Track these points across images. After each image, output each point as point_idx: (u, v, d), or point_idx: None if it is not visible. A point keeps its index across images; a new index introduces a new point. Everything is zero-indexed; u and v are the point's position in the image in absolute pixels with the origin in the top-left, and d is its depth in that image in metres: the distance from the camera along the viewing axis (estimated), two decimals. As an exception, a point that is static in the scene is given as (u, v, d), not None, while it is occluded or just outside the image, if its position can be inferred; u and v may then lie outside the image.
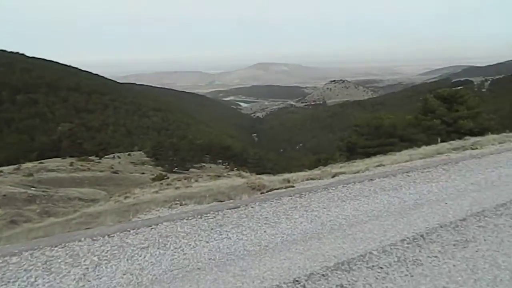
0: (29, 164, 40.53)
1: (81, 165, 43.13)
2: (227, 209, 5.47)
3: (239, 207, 5.56)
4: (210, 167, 67.07)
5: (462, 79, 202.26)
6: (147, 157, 63.26)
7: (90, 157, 50.78)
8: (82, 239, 4.47)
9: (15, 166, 38.50)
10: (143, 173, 44.52)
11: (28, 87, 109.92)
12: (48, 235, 6.56)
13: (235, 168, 58.39)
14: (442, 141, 15.62)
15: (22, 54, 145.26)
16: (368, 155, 19.55)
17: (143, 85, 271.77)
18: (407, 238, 4.47)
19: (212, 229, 4.81)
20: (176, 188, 14.92)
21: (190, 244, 4.42)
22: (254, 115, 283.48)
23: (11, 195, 21.92)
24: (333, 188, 6.53)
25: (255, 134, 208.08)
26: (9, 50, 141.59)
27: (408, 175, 7.37)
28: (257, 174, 21.55)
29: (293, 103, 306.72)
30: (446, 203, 5.69)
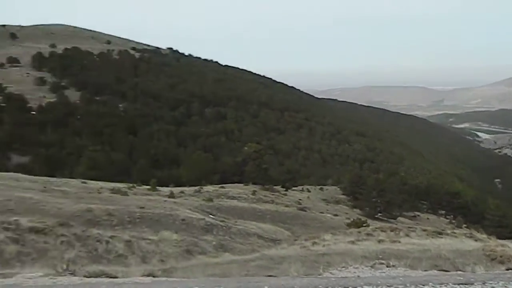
0: (210, 188, 46.79)
1: (265, 196, 47.16)
2: (454, 284, 5.08)
3: (472, 283, 5.10)
4: (428, 218, 64.06)
5: None
6: (343, 194, 64.51)
7: (275, 187, 54.99)
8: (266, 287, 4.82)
9: (196, 188, 45.16)
10: (336, 215, 45.48)
11: (218, 100, 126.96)
12: (225, 275, 7.34)
13: (465, 225, 54.13)
14: None
15: (216, 62, 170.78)
16: None
17: (346, 102, 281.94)
18: None
19: (430, 308, 4.54)
20: (379, 241, 14.79)
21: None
22: (499, 152, 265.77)
23: (189, 220, 25.41)
24: None
25: (498, 180, 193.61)
26: (203, 57, 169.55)
27: None
28: (498, 238, 19.45)
29: None
30: None
